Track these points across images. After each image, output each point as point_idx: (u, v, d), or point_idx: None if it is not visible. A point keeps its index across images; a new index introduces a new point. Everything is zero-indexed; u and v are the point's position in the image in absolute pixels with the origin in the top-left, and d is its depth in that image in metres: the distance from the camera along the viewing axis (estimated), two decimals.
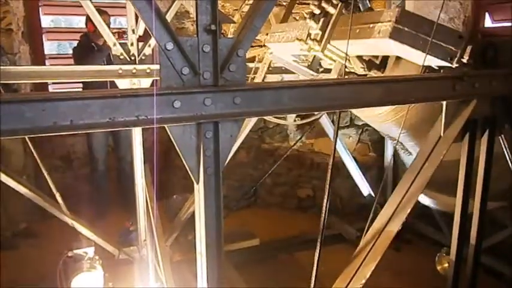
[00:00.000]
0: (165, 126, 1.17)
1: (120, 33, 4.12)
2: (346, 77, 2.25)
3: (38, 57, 4.52)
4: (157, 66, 2.85)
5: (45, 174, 2.77)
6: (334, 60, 2.45)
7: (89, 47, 4.23)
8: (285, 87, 1.28)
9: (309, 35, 2.32)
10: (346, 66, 2.23)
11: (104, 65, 4.27)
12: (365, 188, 4.31)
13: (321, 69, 2.75)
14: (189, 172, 1.23)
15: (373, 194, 4.25)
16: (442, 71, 1.74)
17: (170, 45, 1.14)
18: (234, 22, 3.65)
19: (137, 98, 1.11)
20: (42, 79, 3.02)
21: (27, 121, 1.01)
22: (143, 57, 2.91)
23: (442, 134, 1.68)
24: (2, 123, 0.98)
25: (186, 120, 1.17)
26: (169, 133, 1.19)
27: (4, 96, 1.02)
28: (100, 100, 1.07)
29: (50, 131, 1.05)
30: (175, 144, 1.20)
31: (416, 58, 1.82)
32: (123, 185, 4.53)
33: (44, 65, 4.55)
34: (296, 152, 4.64)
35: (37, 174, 3.73)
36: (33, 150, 2.73)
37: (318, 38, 2.23)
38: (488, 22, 3.72)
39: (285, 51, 2.91)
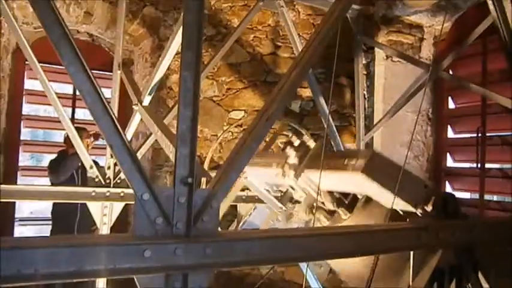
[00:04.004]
0: (134, 276, 1.14)
1: (96, 135, 4.18)
2: (314, 211, 2.34)
3: (10, 168, 4.50)
4: (131, 191, 2.86)
5: None
6: (306, 194, 2.54)
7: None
8: (256, 238, 1.30)
9: (286, 162, 2.44)
10: (316, 200, 2.30)
11: (77, 172, 4.25)
12: None
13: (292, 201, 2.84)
14: None
15: None
16: (408, 219, 1.81)
17: (146, 196, 1.17)
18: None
19: (107, 247, 1.10)
20: (12, 198, 2.97)
21: None
22: (118, 181, 2.93)
23: (410, 284, 1.69)
24: None
25: (156, 271, 1.15)
26: (136, 283, 1.17)
27: None
28: (68, 249, 1.06)
29: (14, 281, 1.01)
30: None
31: (384, 200, 1.91)
32: None
33: (16, 176, 4.52)
34: (267, 281, 4.50)
35: None
36: None
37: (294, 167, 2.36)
38: (450, 162, 3.97)
39: (261, 177, 3.01)
